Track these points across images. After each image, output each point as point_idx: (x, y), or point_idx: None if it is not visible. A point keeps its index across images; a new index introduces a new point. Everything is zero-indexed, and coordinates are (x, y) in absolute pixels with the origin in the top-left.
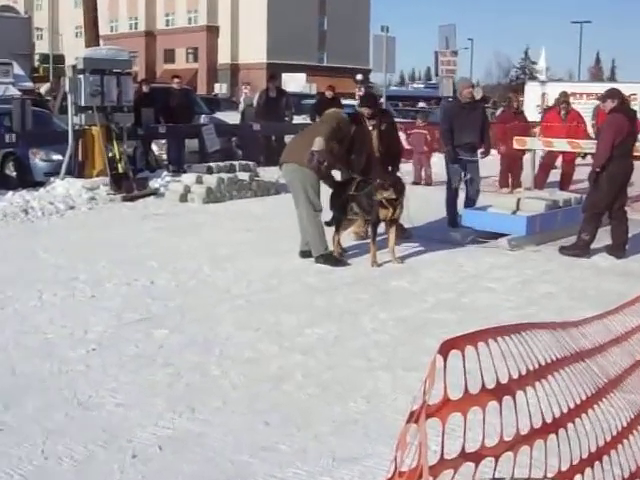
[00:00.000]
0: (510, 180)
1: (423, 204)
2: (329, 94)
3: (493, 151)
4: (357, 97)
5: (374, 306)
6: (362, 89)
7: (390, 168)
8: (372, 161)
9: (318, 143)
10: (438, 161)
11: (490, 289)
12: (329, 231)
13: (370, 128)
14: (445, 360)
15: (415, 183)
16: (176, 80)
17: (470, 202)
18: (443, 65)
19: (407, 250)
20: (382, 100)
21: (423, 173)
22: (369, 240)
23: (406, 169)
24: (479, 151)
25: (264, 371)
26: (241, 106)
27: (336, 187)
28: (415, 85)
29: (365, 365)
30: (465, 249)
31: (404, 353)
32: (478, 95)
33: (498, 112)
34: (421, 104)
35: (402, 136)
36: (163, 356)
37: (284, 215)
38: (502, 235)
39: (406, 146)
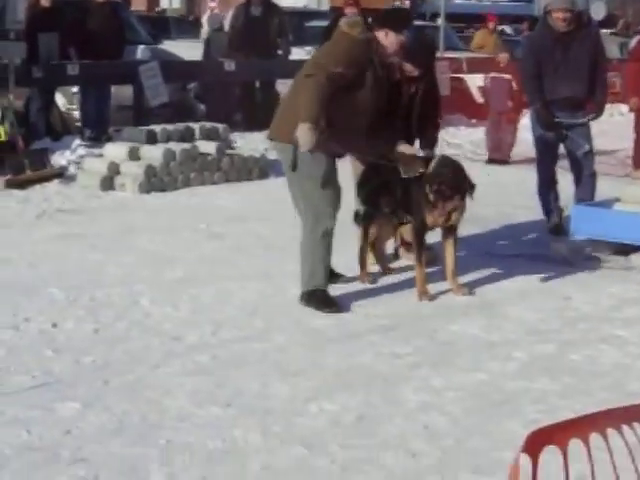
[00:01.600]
0: None
1: (501, 195)
2: (351, 12)
3: (624, 108)
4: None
5: (422, 367)
6: (406, 2)
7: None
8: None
9: (302, 131)
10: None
11: (617, 339)
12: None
13: (411, 92)
14: (535, 462)
15: (491, 160)
16: None
17: (583, 194)
18: None
19: (477, 273)
20: (439, 22)
21: (502, 143)
22: (411, 258)
23: (476, 137)
24: (588, 113)
25: (240, 475)
26: (205, 31)
27: (367, 166)
28: None
29: (407, 466)
30: (575, 272)
31: (472, 447)
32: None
33: (633, 42)
34: (503, 27)
35: (474, 81)
36: (71, 447)
37: (275, 212)
38: (636, 249)
39: (477, 99)
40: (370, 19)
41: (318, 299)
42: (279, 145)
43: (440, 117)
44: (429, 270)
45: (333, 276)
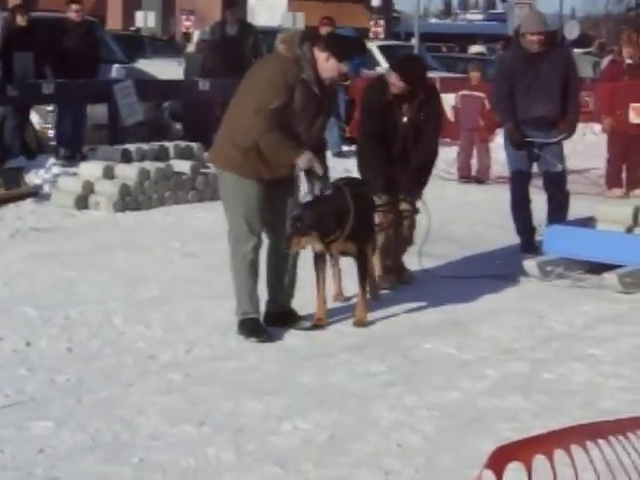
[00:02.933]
0: (624, 175)
1: (475, 214)
2: (326, 31)
3: (596, 128)
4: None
5: (395, 385)
6: (380, 23)
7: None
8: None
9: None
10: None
11: (590, 357)
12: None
13: (403, 115)
14: (499, 478)
15: (463, 178)
16: (74, 7)
17: (556, 213)
18: None
19: (450, 291)
20: (413, 42)
21: (476, 162)
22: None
23: (450, 156)
24: (560, 132)
25: None
26: (191, 47)
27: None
28: (470, 16)
29: None
30: (548, 290)
31: (445, 465)
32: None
33: (604, 62)
34: (476, 48)
35: (448, 101)
36: (44, 466)
37: None
38: (609, 267)
39: (450, 117)
40: (314, 37)
41: (247, 328)
42: (216, 170)
43: (435, 153)
44: (403, 290)
45: (291, 319)
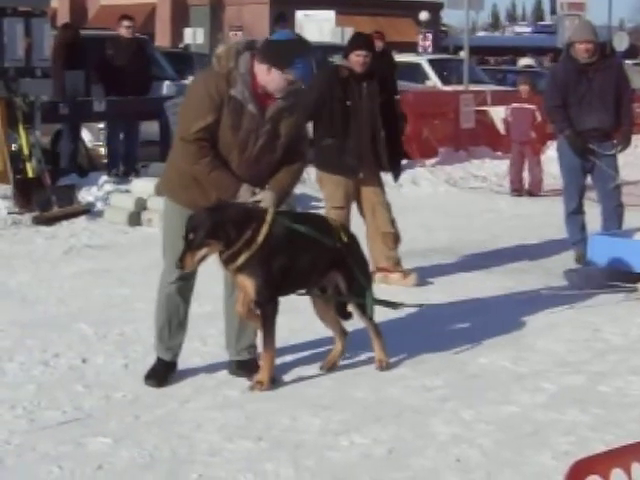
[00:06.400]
0: None
1: (527, 227)
2: (377, 46)
3: None
4: (420, 48)
5: (452, 399)
6: (428, 36)
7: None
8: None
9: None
10: (554, 157)
11: None
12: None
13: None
14: None
15: (515, 191)
16: (126, 23)
17: (610, 225)
18: None
19: (505, 306)
20: (462, 54)
21: (527, 175)
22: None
23: (501, 169)
24: (615, 144)
25: None
26: None
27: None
28: (518, 29)
29: None
30: (602, 303)
31: (505, 479)
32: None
33: None
34: (526, 60)
35: (498, 114)
36: None
37: None
38: None
39: (502, 131)
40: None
41: (156, 375)
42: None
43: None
44: (457, 304)
45: (248, 369)
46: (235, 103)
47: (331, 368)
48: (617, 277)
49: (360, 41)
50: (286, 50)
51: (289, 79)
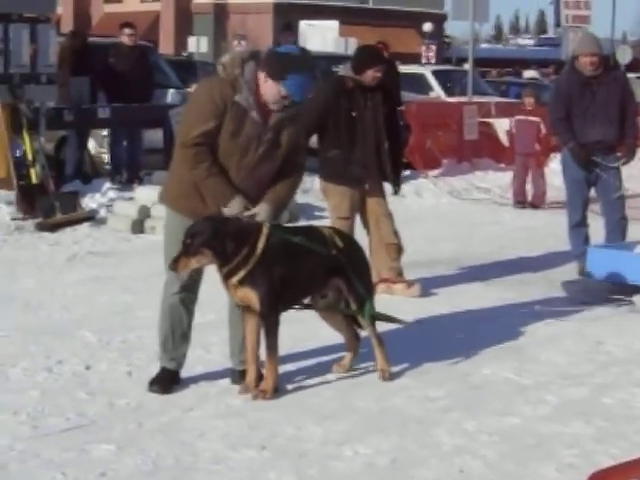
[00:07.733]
0: None
1: (530, 239)
2: None
3: None
4: (424, 58)
5: (455, 410)
6: (432, 47)
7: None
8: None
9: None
10: (558, 169)
11: None
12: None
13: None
14: None
15: (518, 203)
16: (127, 31)
17: (613, 237)
18: (568, 9)
19: (507, 317)
20: (466, 66)
21: (531, 187)
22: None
23: (504, 181)
24: (618, 154)
25: None
26: None
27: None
28: (521, 41)
29: None
30: (605, 315)
31: None
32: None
33: None
34: (529, 72)
35: (502, 125)
36: None
37: None
38: None
39: (505, 143)
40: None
41: (163, 383)
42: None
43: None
44: (461, 315)
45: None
46: (238, 109)
47: (345, 371)
48: (615, 289)
49: (378, 57)
50: (282, 63)
51: (282, 93)
